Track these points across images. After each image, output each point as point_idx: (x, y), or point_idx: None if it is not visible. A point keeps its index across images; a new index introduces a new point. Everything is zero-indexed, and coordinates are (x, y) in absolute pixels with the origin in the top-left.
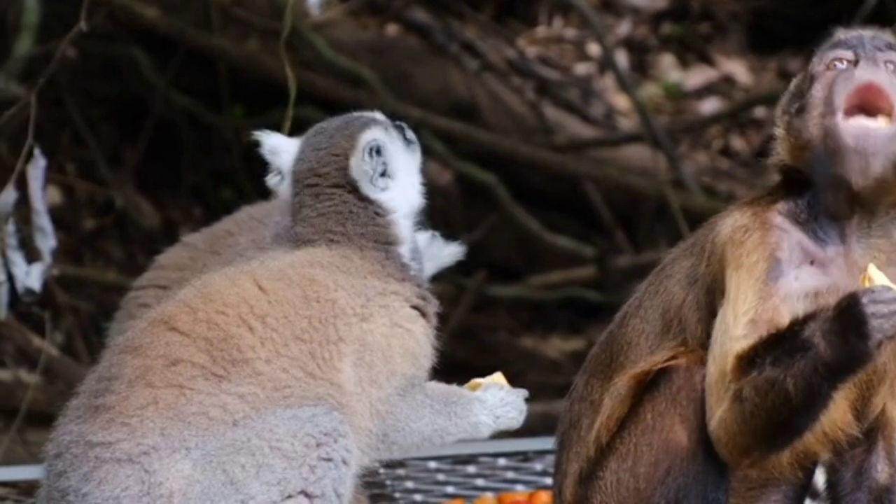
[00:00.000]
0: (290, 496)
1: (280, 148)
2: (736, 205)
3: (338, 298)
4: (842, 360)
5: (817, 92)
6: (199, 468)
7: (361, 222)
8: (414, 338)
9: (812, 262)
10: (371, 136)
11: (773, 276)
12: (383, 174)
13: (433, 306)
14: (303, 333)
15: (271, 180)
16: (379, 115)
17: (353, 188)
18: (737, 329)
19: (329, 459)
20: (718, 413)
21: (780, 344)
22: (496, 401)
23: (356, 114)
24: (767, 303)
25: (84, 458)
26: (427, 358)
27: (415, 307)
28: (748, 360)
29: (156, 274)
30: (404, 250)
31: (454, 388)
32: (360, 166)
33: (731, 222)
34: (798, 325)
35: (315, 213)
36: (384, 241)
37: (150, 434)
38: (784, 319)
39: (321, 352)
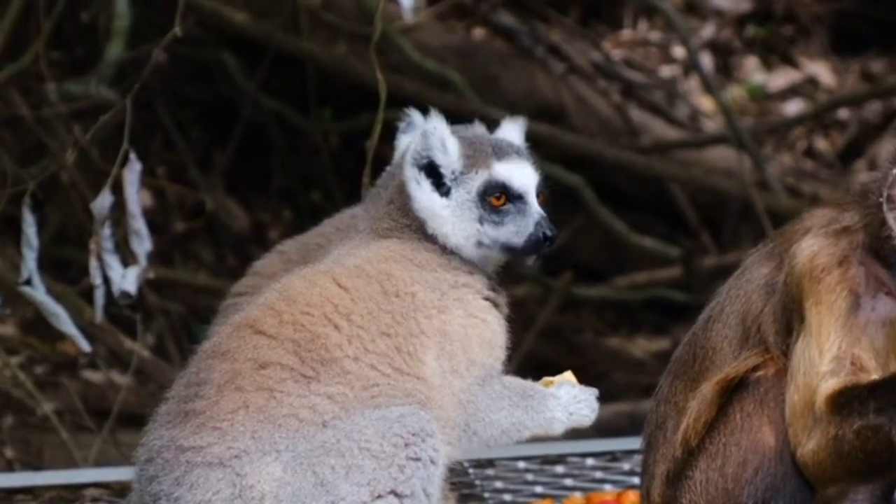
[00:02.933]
0: (379, 496)
1: None
2: (814, 231)
3: (416, 292)
4: None
5: None
6: (289, 470)
7: (401, 204)
8: (489, 328)
9: (888, 293)
10: (455, 136)
11: (852, 311)
12: (433, 168)
13: (504, 298)
14: (388, 328)
15: None
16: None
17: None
18: (822, 365)
19: (417, 459)
20: (809, 446)
21: (884, 394)
22: (570, 398)
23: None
24: (849, 337)
25: (175, 463)
26: (502, 349)
27: (487, 299)
28: (844, 403)
29: (253, 281)
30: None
31: (530, 382)
32: (417, 145)
33: (810, 252)
34: None
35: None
36: (426, 234)
37: (241, 437)
38: (866, 352)
39: (406, 346)
